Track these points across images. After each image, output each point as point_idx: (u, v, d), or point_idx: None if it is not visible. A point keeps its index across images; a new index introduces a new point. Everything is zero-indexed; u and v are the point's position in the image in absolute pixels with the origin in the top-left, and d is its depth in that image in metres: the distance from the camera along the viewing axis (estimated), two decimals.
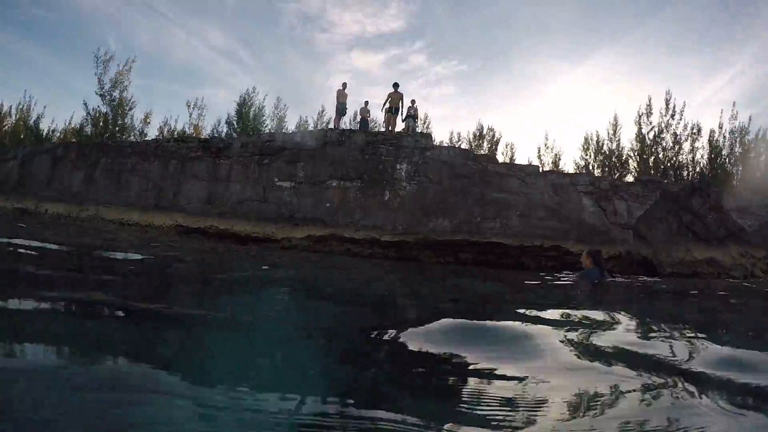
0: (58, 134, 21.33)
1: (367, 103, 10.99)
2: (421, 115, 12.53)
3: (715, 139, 16.39)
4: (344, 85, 10.73)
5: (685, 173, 15.42)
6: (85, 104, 17.69)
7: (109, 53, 16.46)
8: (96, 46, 31.53)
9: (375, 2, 49.86)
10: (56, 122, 36.11)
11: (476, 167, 9.99)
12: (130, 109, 16.86)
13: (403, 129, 10.37)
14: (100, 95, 16.75)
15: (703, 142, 16.81)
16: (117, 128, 16.65)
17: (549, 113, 39.71)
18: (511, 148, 15.98)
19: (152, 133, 19.23)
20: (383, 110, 10.29)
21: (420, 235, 9.87)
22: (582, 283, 4.55)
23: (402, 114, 10.39)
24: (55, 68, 42.01)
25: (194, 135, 15.60)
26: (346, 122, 13.01)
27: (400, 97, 10.29)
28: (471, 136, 15.22)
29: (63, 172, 16.53)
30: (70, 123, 20.89)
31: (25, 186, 17.05)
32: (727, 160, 16.68)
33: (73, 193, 15.84)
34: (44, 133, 22.24)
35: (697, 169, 15.68)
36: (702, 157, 15.91)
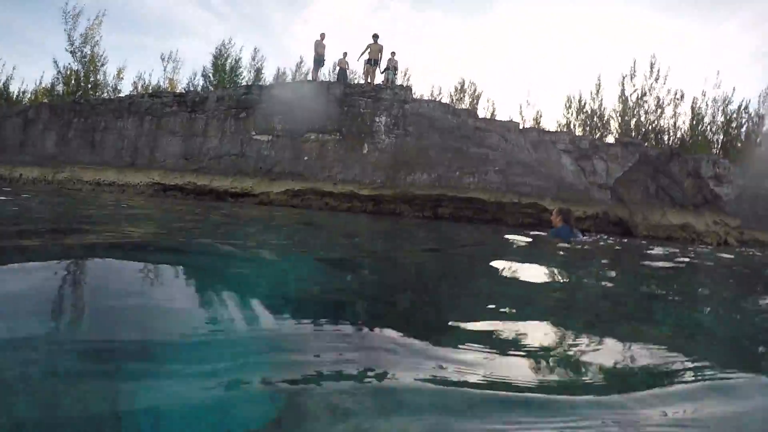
0: (30, 95, 20.48)
1: (345, 54, 10.68)
2: (401, 67, 12.26)
3: (697, 105, 16.49)
4: (322, 35, 10.38)
5: (666, 137, 15.55)
6: (55, 62, 16.89)
7: (77, 8, 15.60)
8: (64, 1, 29.81)
9: None
10: (26, 83, 34.62)
11: (456, 121, 9.90)
12: (102, 65, 16.15)
13: (382, 81, 10.15)
14: (71, 52, 15.98)
15: (685, 108, 16.93)
16: (89, 86, 15.96)
17: (532, 70, 38.83)
18: (492, 104, 15.88)
19: (126, 88, 18.56)
20: (358, 60, 10.05)
21: (398, 189, 9.85)
22: (554, 240, 4.60)
23: (381, 66, 10.15)
24: (23, 26, 39.67)
25: (169, 89, 15.07)
26: (324, 74, 12.68)
27: (380, 48, 10.01)
28: (452, 90, 15.15)
29: (35, 134, 15.98)
30: (40, 83, 20.02)
31: None
32: (708, 128, 16.85)
33: (47, 156, 15.38)
34: (14, 95, 21.34)
35: (678, 134, 15.82)
36: (684, 122, 16.04)
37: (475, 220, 10.10)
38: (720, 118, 17.66)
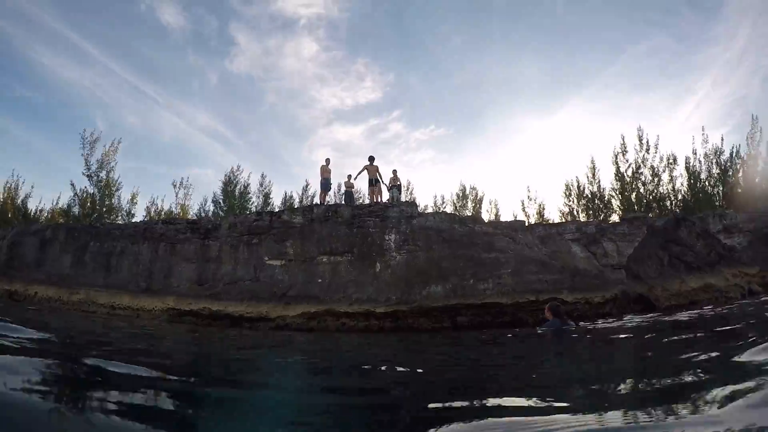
0: (46, 214, 21.30)
1: (350, 176, 11.24)
2: (403, 182, 12.79)
3: (691, 164, 16.90)
4: (327, 161, 11.00)
5: (667, 203, 15.74)
6: (72, 185, 17.83)
7: (95, 134, 16.78)
8: (83, 127, 32.15)
9: (351, 76, 52.55)
10: (43, 202, 36.19)
11: (463, 230, 10.11)
12: (117, 189, 16.97)
13: (387, 199, 10.53)
14: (87, 176, 16.91)
15: (680, 170, 17.35)
16: (104, 209, 16.68)
17: (528, 165, 41.14)
18: (495, 205, 16.29)
19: (139, 212, 19.31)
20: (355, 179, 10.50)
21: (414, 304, 9.81)
22: (546, 333, 5.19)
23: (384, 183, 10.60)
24: (43, 148, 42.68)
25: (181, 215, 15.66)
26: (331, 196, 13.23)
27: (376, 168, 10.55)
28: (454, 198, 15.50)
29: (52, 254, 16.38)
30: (57, 203, 20.95)
31: (14, 268, 16.81)
32: (706, 183, 17.13)
33: (62, 276, 15.62)
34: (32, 213, 22.22)
35: (679, 196, 16.04)
36: (682, 184, 16.33)
37: (495, 325, 9.93)
38: (715, 171, 18.02)
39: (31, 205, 22.35)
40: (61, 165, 41.79)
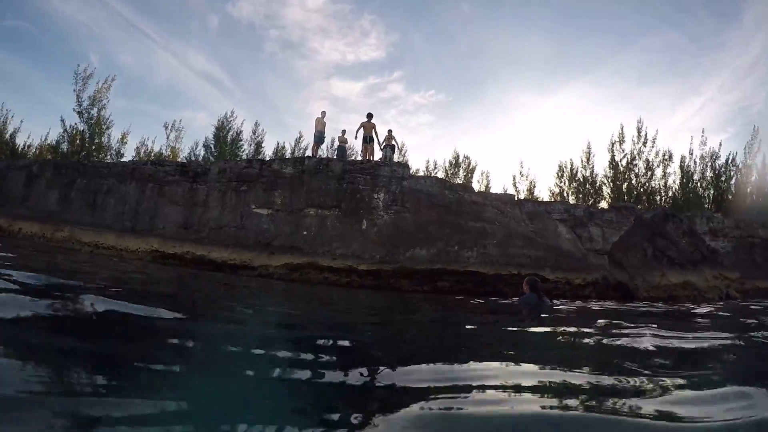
0: (34, 150, 20.85)
1: (344, 131, 11.08)
2: (398, 143, 12.69)
3: (686, 164, 16.97)
4: (323, 113, 10.80)
5: (657, 198, 15.86)
6: (63, 121, 17.35)
7: (89, 70, 16.24)
8: (77, 62, 31.08)
9: (355, 32, 51.10)
10: (32, 137, 35.35)
11: (453, 197, 10.09)
12: (108, 128, 16.57)
13: (380, 158, 10.44)
14: (78, 112, 16.46)
15: (674, 167, 17.40)
16: (93, 147, 16.32)
17: (523, 141, 40.90)
18: (487, 177, 16.25)
19: (129, 153, 18.94)
20: (356, 138, 10.40)
21: (398, 264, 9.86)
22: (522, 306, 5.28)
23: (379, 143, 10.47)
24: (34, 81, 41.33)
25: (171, 158, 15.39)
26: (324, 150, 13.04)
27: (373, 126, 10.39)
28: (447, 164, 15.47)
29: (38, 190, 16.12)
30: (46, 139, 20.48)
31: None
32: (698, 184, 17.25)
33: (48, 213, 15.42)
34: (20, 148, 21.71)
35: (669, 194, 16.16)
36: (674, 182, 16.43)
37: (475, 293, 10.06)
38: (709, 174, 18.14)
39: (20, 141, 21.84)
40: (52, 100, 40.72)
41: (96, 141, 16.17)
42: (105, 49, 42.93)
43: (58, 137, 18.15)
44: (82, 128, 16.38)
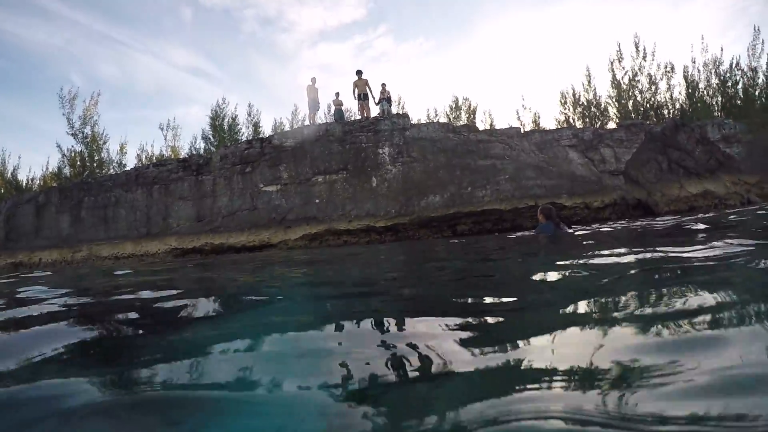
0: (38, 181, 21.04)
1: (338, 93, 10.87)
2: (394, 96, 12.41)
3: (690, 74, 16.39)
4: (313, 80, 10.59)
5: (665, 112, 15.41)
6: (59, 146, 17.46)
7: (72, 91, 16.16)
8: (60, 86, 30.95)
9: None
10: (34, 170, 35.72)
11: (458, 138, 9.92)
12: (104, 142, 16.60)
13: (378, 113, 10.26)
14: (72, 134, 16.48)
15: (678, 78, 16.81)
16: (95, 164, 16.40)
17: (522, 69, 39.50)
18: (490, 115, 15.92)
19: (131, 161, 19.02)
20: (356, 98, 10.18)
21: (413, 215, 9.82)
22: (540, 237, 5.09)
23: (374, 98, 10.28)
24: (24, 115, 41.40)
25: (173, 157, 15.40)
26: (321, 116, 12.88)
27: (365, 82, 10.17)
28: (448, 109, 15.21)
29: (49, 218, 16.33)
30: (47, 168, 20.62)
31: (15, 240, 16.82)
32: (705, 92, 16.71)
33: (62, 237, 15.66)
34: (24, 183, 21.95)
35: (677, 105, 15.68)
36: (680, 93, 15.90)
37: (495, 230, 10.00)
38: (714, 81, 17.54)
39: (22, 176, 22.05)
40: (44, 129, 40.89)
41: (96, 158, 16.26)
42: (85, 66, 42.65)
43: (59, 163, 18.31)
44: (79, 149, 16.47)
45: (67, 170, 17.40)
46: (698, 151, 14.54)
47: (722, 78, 17.49)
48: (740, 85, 18.20)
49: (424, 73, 45.38)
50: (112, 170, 16.21)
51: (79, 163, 16.54)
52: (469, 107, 15.36)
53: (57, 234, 15.67)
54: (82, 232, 15.11)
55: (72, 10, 41.50)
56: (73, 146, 16.78)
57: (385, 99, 10.26)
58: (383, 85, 10.45)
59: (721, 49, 19.67)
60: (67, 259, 14.57)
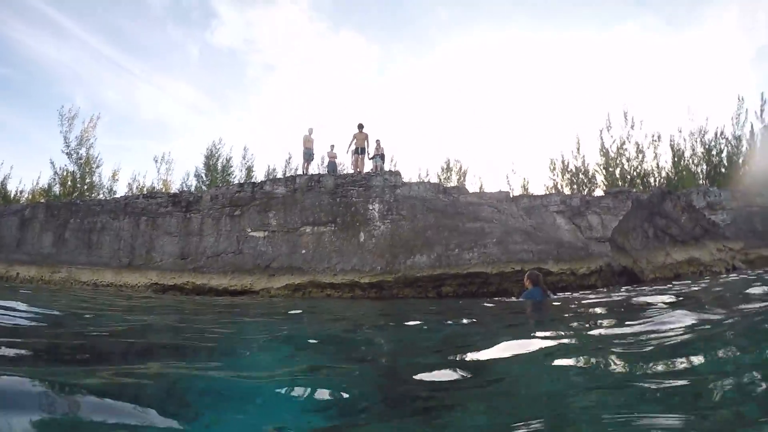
0: (27, 195, 20.79)
1: (333, 146, 11.06)
2: (388, 155, 12.71)
3: (675, 142, 17.01)
4: (310, 130, 10.79)
5: (651, 180, 15.87)
6: (52, 163, 17.34)
7: (73, 110, 16.26)
8: (63, 104, 31.24)
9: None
10: (24, 182, 35.39)
11: (448, 200, 10.05)
12: (98, 166, 16.55)
13: (371, 169, 10.41)
14: (67, 153, 16.44)
15: (664, 147, 17.43)
16: (85, 186, 16.27)
17: (512, 141, 40.69)
18: (480, 179, 16.33)
19: (121, 189, 18.92)
20: (348, 152, 10.36)
21: (399, 274, 9.77)
22: (526, 302, 5.09)
23: (369, 153, 10.46)
24: (21, 127, 41.48)
25: (164, 190, 15.35)
26: (314, 167, 13.04)
27: (365, 137, 10.37)
28: (439, 170, 15.65)
29: (32, 233, 16.03)
30: (37, 183, 20.43)
31: None
32: (690, 161, 17.28)
33: (44, 255, 15.33)
34: (12, 194, 21.66)
35: (663, 174, 16.18)
36: (666, 162, 16.45)
37: (480, 294, 9.96)
38: (700, 149, 18.17)
39: (11, 187, 21.79)
40: (41, 144, 40.80)
41: (87, 180, 16.12)
42: (89, 88, 43.27)
43: (50, 180, 18.15)
44: (72, 169, 16.37)
45: (57, 188, 17.24)
46: (684, 219, 14.85)
47: (707, 147, 18.16)
48: (724, 153, 18.89)
49: (416, 130, 46.57)
50: (101, 195, 16.09)
51: (69, 183, 16.40)
52: (460, 169, 15.82)
53: (38, 251, 15.32)
54: (65, 253, 14.79)
55: (85, 32, 42.56)
56: (66, 165, 16.74)
57: (379, 155, 10.46)
58: (378, 141, 10.68)
59: (707, 119, 20.58)
60: (45, 278, 14.19)
